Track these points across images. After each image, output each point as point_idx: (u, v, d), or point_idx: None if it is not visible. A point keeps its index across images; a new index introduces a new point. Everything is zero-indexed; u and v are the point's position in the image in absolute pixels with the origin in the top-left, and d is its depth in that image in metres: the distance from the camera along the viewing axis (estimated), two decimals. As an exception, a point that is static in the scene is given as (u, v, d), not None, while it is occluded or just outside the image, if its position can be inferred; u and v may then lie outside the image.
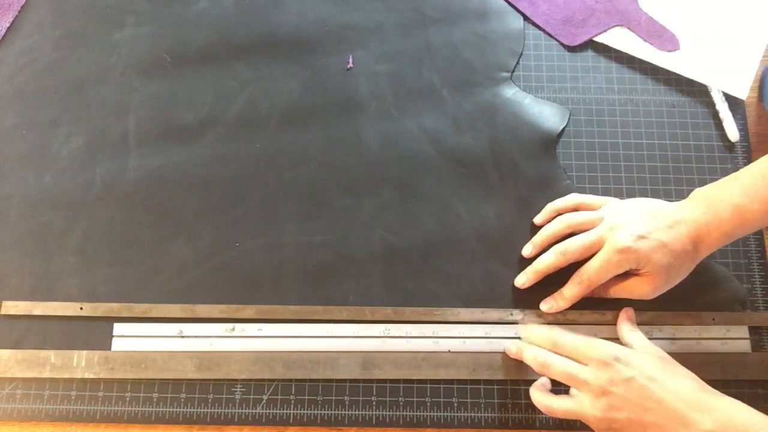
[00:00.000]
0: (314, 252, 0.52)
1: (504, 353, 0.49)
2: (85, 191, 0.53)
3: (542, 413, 0.46)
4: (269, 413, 0.48)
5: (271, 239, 0.52)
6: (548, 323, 0.50)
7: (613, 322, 0.49)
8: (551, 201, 0.52)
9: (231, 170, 0.54)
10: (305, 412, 0.49)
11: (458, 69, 0.57)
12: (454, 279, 0.51)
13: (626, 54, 0.58)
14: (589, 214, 0.49)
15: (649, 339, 0.46)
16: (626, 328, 0.47)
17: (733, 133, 0.55)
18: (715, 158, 0.55)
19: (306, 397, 0.49)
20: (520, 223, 0.53)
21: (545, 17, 0.59)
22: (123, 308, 0.50)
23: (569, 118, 0.55)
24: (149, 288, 0.51)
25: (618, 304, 0.49)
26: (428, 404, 0.49)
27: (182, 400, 0.49)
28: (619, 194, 0.54)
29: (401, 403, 0.49)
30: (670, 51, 0.58)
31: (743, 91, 0.56)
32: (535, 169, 0.54)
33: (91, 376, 0.49)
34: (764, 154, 0.46)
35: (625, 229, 0.46)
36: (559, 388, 0.46)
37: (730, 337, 0.50)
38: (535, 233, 0.51)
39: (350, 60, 0.57)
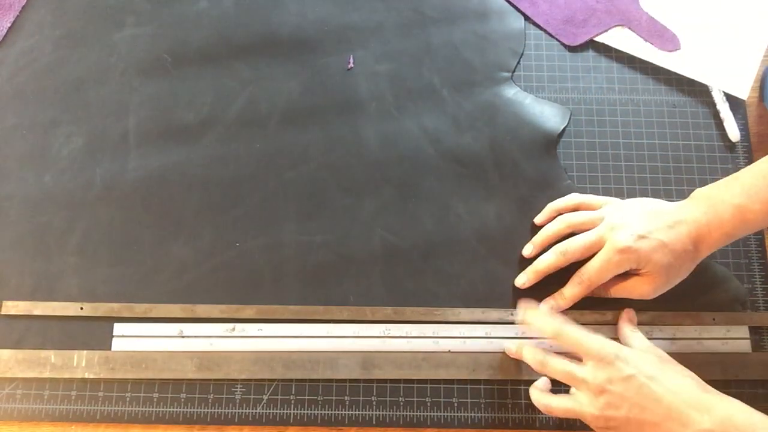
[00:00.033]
0: (314, 252, 0.52)
1: (504, 353, 0.49)
2: (85, 191, 0.53)
3: (542, 413, 0.46)
4: (269, 413, 0.48)
5: (271, 239, 0.52)
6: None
7: (614, 322, 0.49)
8: (552, 201, 0.52)
9: (231, 170, 0.54)
10: (305, 412, 0.49)
11: (458, 69, 0.57)
12: (454, 279, 0.51)
13: (627, 54, 0.58)
14: (589, 214, 0.49)
15: (650, 339, 0.46)
16: (627, 328, 0.47)
17: (733, 133, 0.55)
18: (716, 158, 0.55)
19: (306, 397, 0.49)
20: (521, 223, 0.53)
21: (546, 17, 0.59)
22: (123, 308, 0.50)
23: (570, 118, 0.55)
24: (149, 288, 0.51)
25: (618, 304, 0.49)
26: (428, 404, 0.49)
27: (182, 400, 0.49)
28: (620, 194, 0.54)
29: (401, 403, 0.49)
30: (670, 51, 0.58)
31: (744, 91, 0.56)
32: (536, 169, 0.54)
33: (92, 376, 0.49)
34: (765, 154, 0.46)
35: (626, 229, 0.46)
36: (559, 388, 0.46)
37: (731, 337, 0.50)
38: (536, 233, 0.51)
39: (351, 60, 0.57)
